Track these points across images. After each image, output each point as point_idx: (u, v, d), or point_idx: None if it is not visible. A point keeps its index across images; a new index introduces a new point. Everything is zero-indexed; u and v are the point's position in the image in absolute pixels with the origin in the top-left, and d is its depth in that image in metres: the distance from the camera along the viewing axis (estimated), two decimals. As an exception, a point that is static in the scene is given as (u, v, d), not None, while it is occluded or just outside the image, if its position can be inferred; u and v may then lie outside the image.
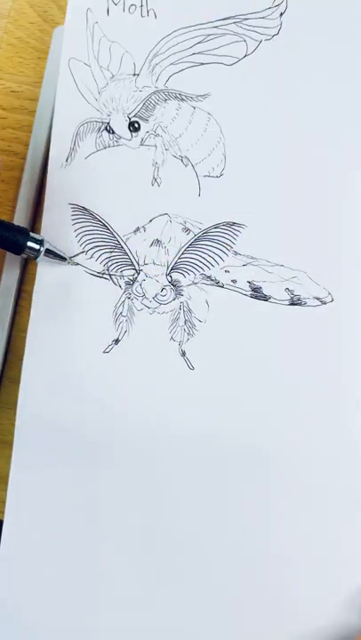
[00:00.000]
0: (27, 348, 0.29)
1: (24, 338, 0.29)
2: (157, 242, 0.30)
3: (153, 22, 0.32)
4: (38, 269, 0.30)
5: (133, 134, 0.31)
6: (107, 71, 0.31)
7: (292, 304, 0.29)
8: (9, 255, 0.31)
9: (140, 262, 0.30)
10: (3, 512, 0.28)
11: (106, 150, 0.31)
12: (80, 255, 0.30)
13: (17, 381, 0.29)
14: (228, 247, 0.30)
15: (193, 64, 0.31)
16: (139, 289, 0.30)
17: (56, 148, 0.31)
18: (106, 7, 0.32)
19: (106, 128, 0.31)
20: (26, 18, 0.35)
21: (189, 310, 0.30)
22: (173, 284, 0.30)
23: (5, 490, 0.28)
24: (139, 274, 0.30)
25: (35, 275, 0.30)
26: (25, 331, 0.30)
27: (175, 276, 0.30)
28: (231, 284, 0.30)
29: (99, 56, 0.32)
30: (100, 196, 0.31)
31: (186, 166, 0.31)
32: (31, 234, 0.29)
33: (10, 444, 0.29)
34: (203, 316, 0.29)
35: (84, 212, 0.30)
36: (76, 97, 0.31)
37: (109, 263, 0.30)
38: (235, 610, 0.27)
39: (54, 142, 0.31)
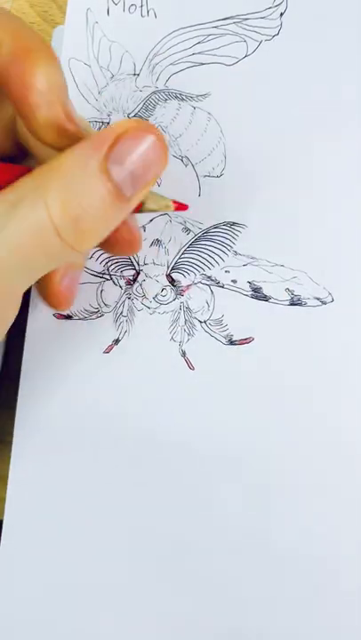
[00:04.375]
0: (26, 347, 0.29)
1: (24, 338, 0.29)
2: (157, 242, 0.30)
3: (153, 22, 0.32)
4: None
5: (134, 134, 0.31)
6: (107, 71, 0.31)
7: (293, 304, 0.29)
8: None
9: (140, 262, 0.30)
10: (3, 512, 0.28)
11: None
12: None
13: (17, 381, 0.29)
14: (229, 247, 0.30)
15: (193, 64, 0.31)
16: (139, 289, 0.30)
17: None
18: (106, 7, 0.32)
19: (106, 128, 0.31)
20: (26, 18, 0.35)
21: (189, 310, 0.30)
22: (174, 284, 0.30)
23: (5, 490, 0.28)
24: (139, 274, 0.30)
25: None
26: (25, 330, 0.30)
27: (175, 276, 0.30)
28: (231, 284, 0.30)
29: (99, 56, 0.32)
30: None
31: (186, 166, 0.31)
32: None
33: (10, 444, 0.29)
34: (203, 316, 0.29)
35: (83, 211, 0.30)
36: (77, 97, 0.31)
37: (109, 263, 0.30)
38: (235, 611, 0.27)
39: (54, 142, 0.31)
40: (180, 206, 0.24)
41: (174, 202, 0.24)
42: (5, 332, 0.24)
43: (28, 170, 0.21)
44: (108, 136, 0.20)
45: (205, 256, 0.30)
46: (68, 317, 0.30)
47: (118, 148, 0.20)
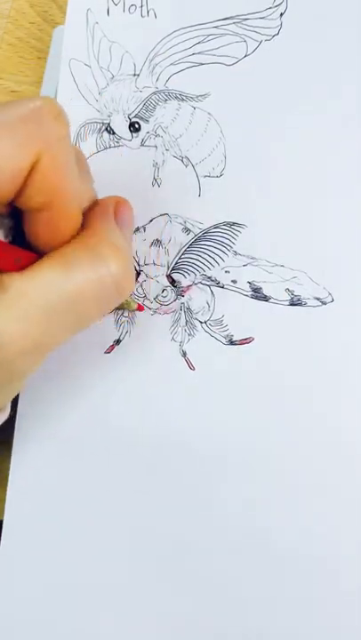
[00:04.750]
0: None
1: (24, 338, 0.29)
2: (157, 242, 0.30)
3: (153, 22, 0.32)
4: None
5: (134, 135, 0.31)
6: (107, 72, 0.31)
7: (292, 304, 0.29)
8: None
9: (141, 263, 0.30)
10: (3, 512, 0.28)
11: (106, 151, 0.31)
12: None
13: (17, 382, 0.29)
14: (229, 247, 0.30)
15: (193, 64, 0.31)
16: (140, 290, 0.30)
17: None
18: (106, 7, 0.32)
19: (106, 129, 0.31)
20: (26, 18, 0.35)
21: (190, 311, 0.30)
22: (174, 284, 0.30)
23: (5, 490, 0.28)
24: (139, 274, 0.30)
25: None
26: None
27: (176, 276, 0.30)
28: (231, 284, 0.30)
29: (99, 56, 0.32)
30: (100, 196, 0.31)
31: (186, 166, 0.31)
32: None
33: (10, 444, 0.29)
34: (203, 316, 0.30)
35: (84, 212, 0.30)
36: (77, 98, 0.31)
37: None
38: (235, 611, 0.27)
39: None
40: (140, 307, 0.30)
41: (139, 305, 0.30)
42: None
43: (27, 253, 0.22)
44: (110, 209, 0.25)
45: (205, 256, 0.30)
46: None
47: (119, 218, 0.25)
